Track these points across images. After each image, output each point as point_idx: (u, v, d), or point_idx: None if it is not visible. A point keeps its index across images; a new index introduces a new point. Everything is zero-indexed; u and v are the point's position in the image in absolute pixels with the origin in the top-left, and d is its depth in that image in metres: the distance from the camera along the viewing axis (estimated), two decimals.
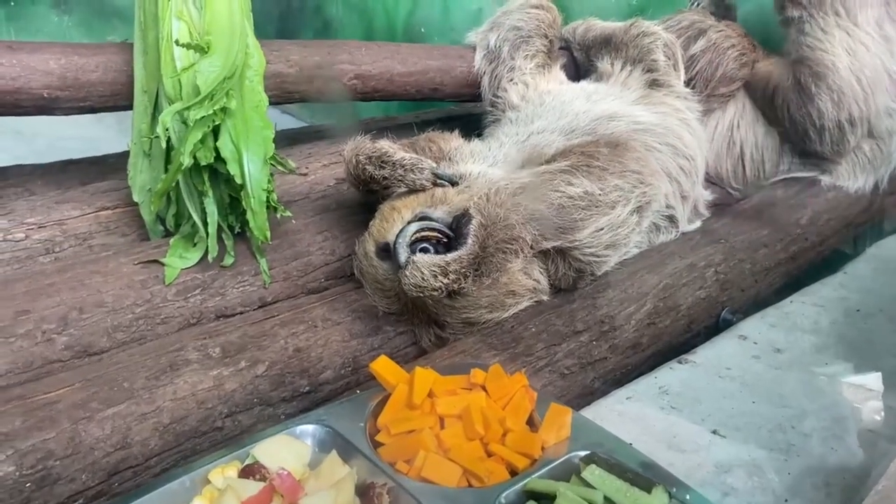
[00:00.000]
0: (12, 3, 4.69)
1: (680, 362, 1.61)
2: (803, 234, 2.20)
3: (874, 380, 1.64)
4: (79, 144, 2.44)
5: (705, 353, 1.65)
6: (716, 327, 1.90)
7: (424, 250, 1.48)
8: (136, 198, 1.78)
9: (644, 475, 1.13)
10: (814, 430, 1.41)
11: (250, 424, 1.43)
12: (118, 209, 1.87)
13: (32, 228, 1.75)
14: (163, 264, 1.64)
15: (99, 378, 1.34)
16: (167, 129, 1.44)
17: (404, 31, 3.97)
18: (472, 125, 2.44)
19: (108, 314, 1.54)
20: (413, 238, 1.51)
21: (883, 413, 1.52)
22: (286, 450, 1.15)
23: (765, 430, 1.41)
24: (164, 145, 1.45)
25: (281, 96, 2.06)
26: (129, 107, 1.77)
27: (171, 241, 1.68)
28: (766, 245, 2.10)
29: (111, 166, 2.15)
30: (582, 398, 1.57)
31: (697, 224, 2.14)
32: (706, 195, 2.25)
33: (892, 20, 2.28)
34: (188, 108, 1.40)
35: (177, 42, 1.43)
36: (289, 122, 4.07)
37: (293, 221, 1.78)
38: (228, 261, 1.68)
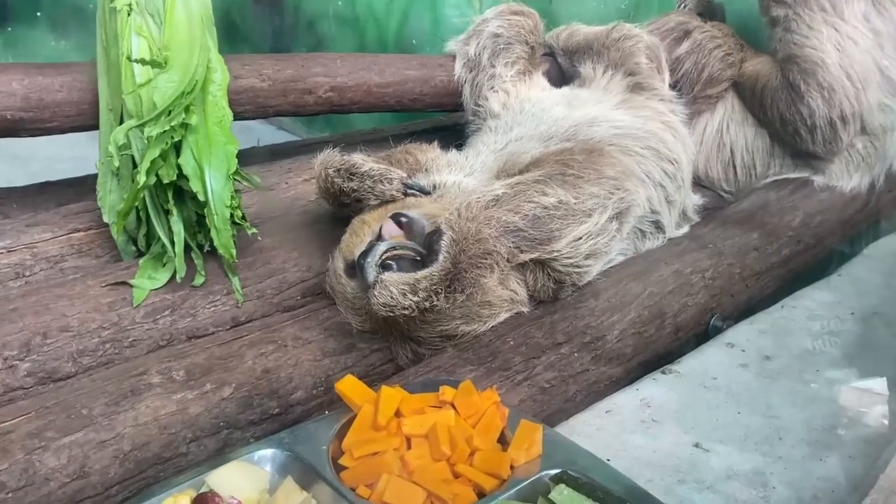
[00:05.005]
0: (9, 29, 4.72)
1: (663, 373, 1.55)
2: (795, 236, 2.14)
3: (880, 384, 1.58)
4: (74, 165, 2.42)
5: (690, 363, 1.59)
6: (705, 335, 1.84)
7: (387, 266, 1.43)
8: (106, 219, 1.75)
9: (616, 494, 1.08)
10: (802, 441, 1.35)
11: (217, 449, 1.38)
12: (91, 231, 1.84)
13: (2, 253, 1.72)
14: (131, 286, 1.60)
15: (56, 405, 1.29)
16: (125, 147, 1.41)
17: (395, 43, 3.96)
18: (460, 135, 2.40)
19: (73, 338, 1.50)
20: (383, 257, 1.47)
21: (888, 419, 1.47)
22: (242, 476, 1.11)
23: (750, 442, 1.35)
24: (117, 163, 1.41)
25: (255, 111, 2.03)
26: (96, 126, 1.74)
27: (141, 261, 1.65)
28: (757, 249, 2.04)
29: (89, 187, 2.12)
30: (563, 412, 1.52)
31: (686, 229, 2.08)
32: (695, 199, 2.20)
33: (880, 13, 2.22)
34: (143, 125, 1.37)
35: (128, 58, 1.40)
36: (281, 136, 4.05)
37: (259, 238, 1.74)
38: (199, 280, 1.65)
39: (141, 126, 1.38)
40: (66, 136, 2.00)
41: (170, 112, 1.39)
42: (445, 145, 2.08)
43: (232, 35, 4.82)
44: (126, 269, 1.65)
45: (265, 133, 3.74)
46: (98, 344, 1.52)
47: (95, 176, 2.22)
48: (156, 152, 1.39)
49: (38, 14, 4.74)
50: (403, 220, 1.55)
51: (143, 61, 1.40)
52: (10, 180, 2.27)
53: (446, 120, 2.86)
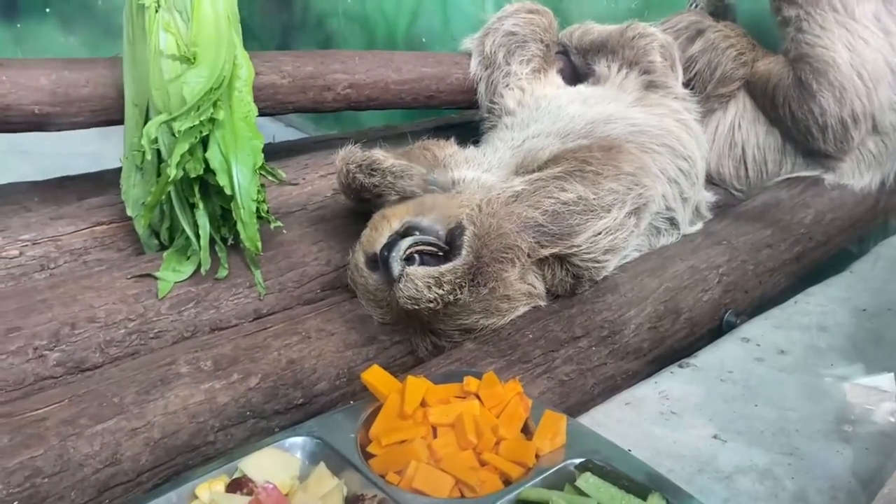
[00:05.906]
0: (18, 25, 4.73)
1: (681, 366, 1.58)
2: (807, 233, 2.16)
3: (887, 381, 1.60)
4: (84, 161, 2.45)
5: (706, 357, 1.61)
6: (719, 330, 1.86)
7: (411, 260, 1.45)
8: (129, 212, 1.78)
9: (640, 482, 1.10)
10: (818, 434, 1.37)
11: (244, 438, 1.41)
12: (113, 224, 1.86)
13: (27, 245, 1.75)
14: (156, 278, 1.63)
15: (88, 394, 1.32)
16: (154, 141, 1.43)
17: (405, 41, 3.98)
18: (472, 133, 2.42)
19: (100, 329, 1.53)
20: (407, 253, 1.49)
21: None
22: (274, 463, 1.13)
23: (767, 434, 1.37)
24: (149, 157, 1.44)
25: (275, 107, 2.05)
26: (121, 121, 1.77)
27: (165, 254, 1.68)
28: (770, 246, 2.07)
29: (108, 181, 2.14)
30: (582, 405, 1.54)
31: (699, 226, 2.11)
32: (708, 197, 2.22)
33: (890, 13, 2.24)
34: (174, 120, 1.40)
35: (161, 53, 1.42)
36: (291, 134, 4.08)
37: (284, 232, 1.77)
38: (222, 273, 1.67)
39: (171, 121, 1.41)
40: (75, 133, 2.02)
41: (198, 107, 1.42)
42: (458, 142, 2.10)
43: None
44: (150, 262, 1.68)
45: (275, 130, 3.77)
46: (125, 335, 1.55)
47: (112, 171, 2.26)
48: (185, 146, 1.42)
49: (48, 10, 4.76)
50: (415, 233, 1.55)
51: (174, 57, 1.42)
52: (22, 175, 2.29)
53: (458, 118, 2.89)
